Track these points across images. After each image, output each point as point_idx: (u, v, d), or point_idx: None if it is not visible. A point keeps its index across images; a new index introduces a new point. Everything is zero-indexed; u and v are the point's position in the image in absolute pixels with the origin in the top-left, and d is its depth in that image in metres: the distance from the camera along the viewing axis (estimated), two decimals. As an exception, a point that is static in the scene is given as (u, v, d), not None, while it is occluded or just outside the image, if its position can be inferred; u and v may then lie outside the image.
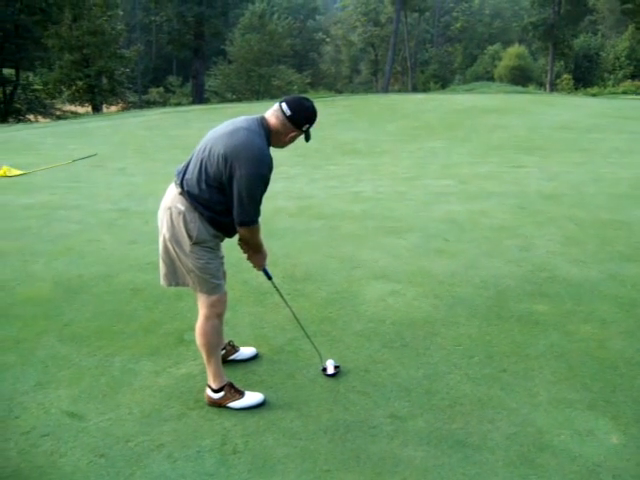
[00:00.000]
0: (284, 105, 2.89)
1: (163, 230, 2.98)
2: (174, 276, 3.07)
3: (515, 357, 3.61)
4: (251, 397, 3.11)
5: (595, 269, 5.01)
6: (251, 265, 3.29)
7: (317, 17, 64.75)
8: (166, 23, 43.64)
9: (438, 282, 4.74)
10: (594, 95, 31.55)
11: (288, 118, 2.88)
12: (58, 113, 36.33)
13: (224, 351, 3.48)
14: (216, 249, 3.05)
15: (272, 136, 2.94)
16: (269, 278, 3.31)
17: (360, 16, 53.29)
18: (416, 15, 52.52)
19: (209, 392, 3.10)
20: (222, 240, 3.12)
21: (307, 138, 3.02)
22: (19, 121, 30.95)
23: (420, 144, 13.48)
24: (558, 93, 34.35)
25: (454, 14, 61.38)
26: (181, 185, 2.94)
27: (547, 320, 4.08)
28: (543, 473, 2.62)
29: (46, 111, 36.36)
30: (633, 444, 2.81)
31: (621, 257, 5.31)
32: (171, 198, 2.98)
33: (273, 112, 2.92)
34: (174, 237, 2.94)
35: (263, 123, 2.93)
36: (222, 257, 3.25)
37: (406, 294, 4.52)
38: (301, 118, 2.90)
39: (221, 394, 3.08)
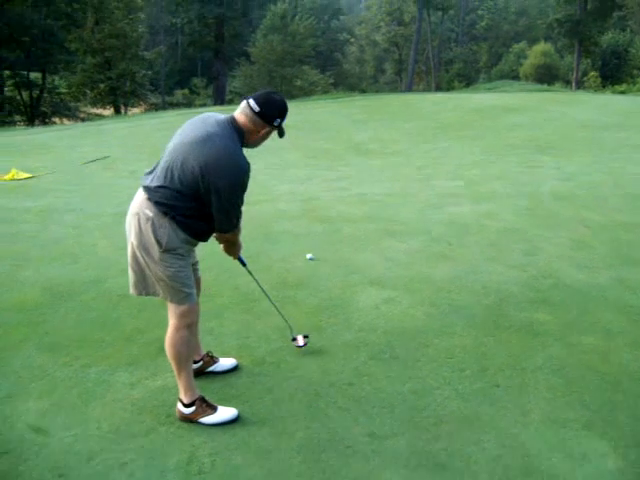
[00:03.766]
0: (252, 101, 2.74)
1: (131, 237, 2.86)
2: (144, 285, 2.93)
3: (510, 370, 3.39)
4: (224, 412, 2.96)
5: (604, 275, 4.75)
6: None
7: (341, 17, 64.51)
8: (187, 25, 43.83)
9: (436, 289, 4.53)
10: (622, 92, 30.66)
11: (257, 114, 2.74)
12: (82, 116, 36.73)
13: (201, 362, 3.34)
14: (187, 256, 2.90)
15: (245, 136, 2.79)
16: (244, 265, 3.36)
17: (384, 16, 52.82)
18: (440, 14, 51.90)
19: (180, 407, 2.96)
20: (195, 245, 2.99)
21: (280, 134, 2.89)
22: (45, 124, 31.36)
23: (435, 144, 13.21)
24: (585, 91, 33.55)
25: (479, 12, 60.56)
26: (149, 190, 2.80)
27: (548, 330, 3.85)
28: (527, 501, 2.42)
29: (71, 114, 36.83)
30: (631, 470, 2.59)
31: (632, 262, 5.03)
32: (139, 203, 2.84)
33: (242, 110, 2.77)
34: (142, 244, 2.81)
35: (234, 124, 2.78)
36: (195, 264, 3.13)
37: (402, 302, 4.32)
38: (270, 113, 2.75)
39: (192, 409, 2.93)
